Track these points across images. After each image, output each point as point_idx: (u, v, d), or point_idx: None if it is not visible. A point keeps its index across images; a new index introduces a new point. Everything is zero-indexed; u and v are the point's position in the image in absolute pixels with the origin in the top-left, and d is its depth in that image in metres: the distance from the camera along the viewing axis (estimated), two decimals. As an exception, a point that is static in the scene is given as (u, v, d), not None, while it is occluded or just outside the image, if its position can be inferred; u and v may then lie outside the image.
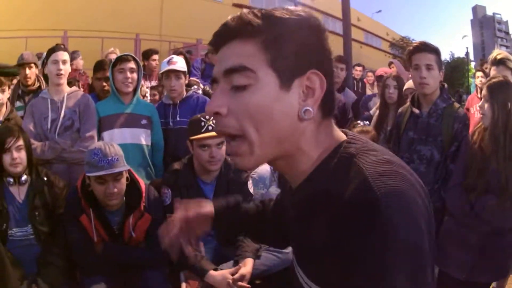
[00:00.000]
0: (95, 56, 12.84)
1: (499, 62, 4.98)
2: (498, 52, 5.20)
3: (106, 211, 3.80)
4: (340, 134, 1.34)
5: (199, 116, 4.08)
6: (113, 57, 6.94)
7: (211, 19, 29.73)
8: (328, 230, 1.14)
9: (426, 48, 4.13)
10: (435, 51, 4.15)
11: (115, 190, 3.64)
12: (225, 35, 1.25)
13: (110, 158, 3.59)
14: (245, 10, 1.24)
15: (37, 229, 3.82)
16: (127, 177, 3.78)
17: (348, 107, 6.79)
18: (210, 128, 3.94)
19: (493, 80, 3.77)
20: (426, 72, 4.06)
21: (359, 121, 5.49)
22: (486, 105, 3.69)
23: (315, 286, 1.26)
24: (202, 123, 3.97)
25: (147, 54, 8.85)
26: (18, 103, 5.82)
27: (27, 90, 6.07)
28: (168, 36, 22.60)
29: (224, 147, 4.01)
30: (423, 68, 4.06)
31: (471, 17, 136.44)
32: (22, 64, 6.17)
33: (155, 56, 8.78)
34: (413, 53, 4.17)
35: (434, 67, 4.06)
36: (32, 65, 6.21)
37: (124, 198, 3.83)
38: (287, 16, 1.22)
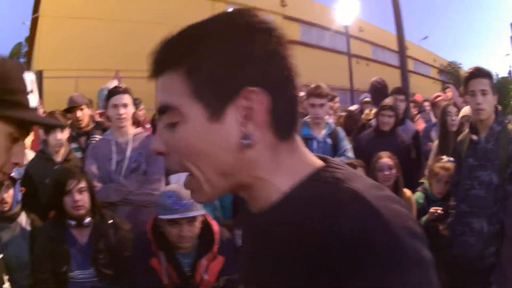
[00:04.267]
0: (148, 96, 12.87)
1: None
2: None
3: (178, 253, 3.70)
4: (314, 160, 1.16)
5: None
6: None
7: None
8: (311, 261, 0.96)
9: (480, 73, 4.20)
10: (488, 76, 4.23)
11: (189, 233, 3.56)
12: (155, 69, 1.13)
13: (185, 202, 3.51)
14: (164, 40, 1.11)
15: (101, 272, 3.76)
16: (201, 221, 3.70)
17: (411, 148, 6.49)
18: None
19: None
20: (482, 98, 4.10)
21: (443, 156, 5.33)
22: None
23: None
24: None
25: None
26: (72, 145, 5.76)
27: (81, 132, 6.01)
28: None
29: None
30: (478, 94, 4.10)
31: (511, 34, 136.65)
32: (73, 107, 6.13)
33: None
34: (468, 79, 4.21)
35: (488, 92, 4.11)
36: (83, 106, 6.16)
37: (198, 240, 3.73)
38: (209, 26, 1.08)
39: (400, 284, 0.87)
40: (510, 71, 57.28)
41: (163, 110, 1.09)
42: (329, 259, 0.92)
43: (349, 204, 0.96)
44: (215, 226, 3.83)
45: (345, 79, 20.05)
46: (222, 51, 1.04)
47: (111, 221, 3.93)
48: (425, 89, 31.92)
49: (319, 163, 1.14)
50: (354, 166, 4.71)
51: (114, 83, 6.03)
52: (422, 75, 48.53)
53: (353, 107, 9.22)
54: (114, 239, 3.86)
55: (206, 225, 3.77)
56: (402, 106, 7.38)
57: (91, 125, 6.11)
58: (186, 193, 3.53)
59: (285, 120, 1.10)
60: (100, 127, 5.91)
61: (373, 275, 0.87)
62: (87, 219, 3.83)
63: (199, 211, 3.61)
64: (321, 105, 5.39)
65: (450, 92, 8.69)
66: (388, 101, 6.52)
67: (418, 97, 10.79)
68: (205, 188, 1.09)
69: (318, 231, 0.96)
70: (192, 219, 3.57)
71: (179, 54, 1.06)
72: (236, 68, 1.03)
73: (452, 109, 5.95)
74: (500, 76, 54.12)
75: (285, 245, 1.03)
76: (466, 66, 44.76)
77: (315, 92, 5.39)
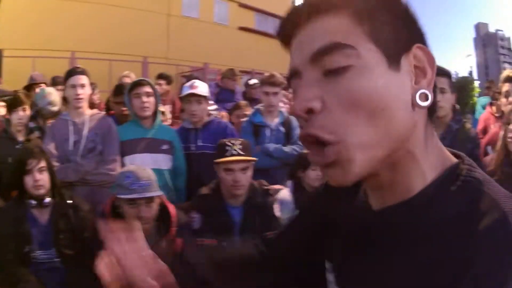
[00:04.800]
0: (103, 78, 12.85)
1: None
2: (510, 71, 5.34)
3: None
4: (448, 152, 1.07)
5: (225, 140, 4.14)
6: (127, 81, 6.93)
7: (218, 43, 29.84)
8: (444, 260, 0.89)
9: (438, 72, 4.22)
10: (447, 75, 4.27)
11: (147, 214, 3.63)
12: (307, 13, 0.98)
13: (142, 182, 3.59)
14: None
15: (62, 252, 3.79)
16: (159, 203, 3.78)
17: None
18: (234, 152, 3.99)
19: None
20: (440, 96, 4.11)
21: None
22: None
23: None
24: (227, 147, 4.01)
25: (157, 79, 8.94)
26: (31, 124, 5.80)
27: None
28: (175, 59, 22.63)
29: (249, 172, 4.07)
30: (437, 92, 4.12)
31: (474, 35, 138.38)
32: (32, 84, 6.17)
33: (160, 81, 8.80)
34: None
35: (446, 90, 4.12)
36: (42, 85, 6.23)
37: (155, 223, 3.81)
38: None
39: None
40: (470, 71, 58.64)
41: (329, 50, 0.93)
42: (463, 264, 0.85)
43: (490, 212, 0.88)
44: (172, 209, 3.91)
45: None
46: (391, 5, 0.98)
47: (71, 201, 3.96)
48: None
49: (452, 156, 1.06)
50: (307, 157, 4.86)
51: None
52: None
53: None
54: (74, 219, 3.89)
55: (163, 208, 3.85)
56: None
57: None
58: (144, 174, 3.66)
59: (433, 96, 1.02)
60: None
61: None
62: (47, 199, 3.85)
63: (156, 192, 3.69)
64: (275, 94, 5.45)
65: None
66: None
67: None
68: (366, 155, 0.92)
69: (455, 234, 0.89)
70: (150, 200, 3.65)
71: None
72: (406, 23, 0.99)
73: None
74: (460, 75, 55.05)
75: (424, 244, 0.93)
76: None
77: (269, 81, 5.47)
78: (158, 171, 4.58)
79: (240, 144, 4.07)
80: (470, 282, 0.83)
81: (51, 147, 4.51)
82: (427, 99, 0.98)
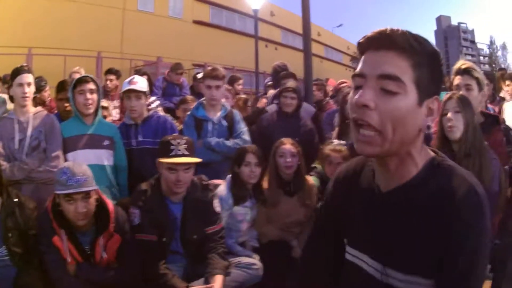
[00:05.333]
0: (58, 74, 12.83)
1: (464, 72, 4.85)
2: (462, 62, 5.18)
3: (77, 232, 3.82)
4: (429, 150, 1.71)
5: (169, 138, 4.19)
6: (77, 76, 6.95)
7: (172, 36, 29.44)
8: (433, 222, 1.51)
9: None
10: None
11: (84, 209, 3.67)
12: (383, 42, 1.55)
13: (78, 178, 3.64)
14: (398, 29, 1.55)
15: (11, 250, 3.80)
16: (96, 198, 3.82)
17: (314, 133, 6.50)
18: (179, 152, 4.06)
19: (459, 93, 3.95)
20: None
21: (334, 140, 5.43)
22: (458, 116, 3.83)
23: (397, 273, 1.60)
24: (172, 147, 4.07)
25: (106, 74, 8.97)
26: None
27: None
28: (129, 54, 22.58)
29: (192, 171, 4.16)
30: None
31: (435, 28, 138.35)
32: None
33: (110, 76, 8.81)
34: None
35: None
36: None
37: (94, 219, 3.86)
38: (429, 44, 1.57)
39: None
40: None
41: (390, 77, 1.50)
42: (448, 216, 1.49)
43: (462, 185, 1.53)
44: (111, 205, 3.95)
45: (253, 61, 20.19)
46: (435, 65, 1.57)
47: (17, 199, 3.96)
48: (337, 75, 32.25)
49: (430, 152, 1.70)
50: (245, 151, 4.83)
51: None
52: (334, 61, 49.24)
53: (262, 104, 8.78)
54: (20, 217, 3.89)
55: (101, 205, 3.88)
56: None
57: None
58: (79, 169, 3.71)
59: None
60: None
61: (469, 225, 1.48)
62: (-5, 198, 3.84)
63: (92, 187, 3.72)
64: (217, 87, 5.44)
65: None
66: (291, 83, 6.59)
67: (332, 82, 10.83)
68: (386, 147, 1.54)
69: (442, 199, 1.52)
70: (87, 195, 3.69)
71: (415, 48, 1.52)
72: (436, 80, 1.59)
73: (353, 96, 5.94)
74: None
75: (419, 212, 1.56)
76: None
77: (211, 74, 5.45)
78: (100, 167, 4.70)
79: (185, 144, 4.12)
80: (453, 237, 1.47)
81: (-2, 147, 4.52)
82: (429, 129, 1.63)
